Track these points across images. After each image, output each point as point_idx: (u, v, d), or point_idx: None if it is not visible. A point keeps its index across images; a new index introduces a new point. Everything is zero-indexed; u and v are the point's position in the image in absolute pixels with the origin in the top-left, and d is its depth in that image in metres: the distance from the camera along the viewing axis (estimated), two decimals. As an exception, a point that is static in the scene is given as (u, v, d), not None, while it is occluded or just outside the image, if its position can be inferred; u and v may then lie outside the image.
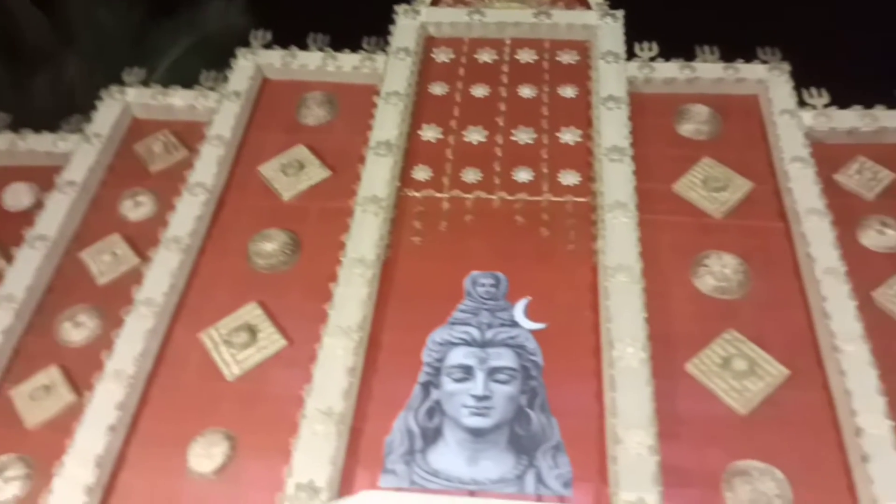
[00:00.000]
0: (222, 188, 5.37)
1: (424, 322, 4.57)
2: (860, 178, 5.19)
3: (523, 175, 5.29)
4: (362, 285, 4.56)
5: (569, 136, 5.51)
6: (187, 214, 5.05)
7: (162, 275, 4.73)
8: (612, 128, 5.33)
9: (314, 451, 3.88)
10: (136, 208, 5.38)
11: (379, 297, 4.68)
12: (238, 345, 4.49)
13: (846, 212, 4.92)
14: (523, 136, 5.53)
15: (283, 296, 4.75)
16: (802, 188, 4.91)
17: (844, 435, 4.00)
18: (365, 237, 4.80)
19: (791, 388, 4.19)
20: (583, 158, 5.36)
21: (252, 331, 4.55)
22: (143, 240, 5.09)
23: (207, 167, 5.32)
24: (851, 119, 5.39)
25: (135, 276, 4.80)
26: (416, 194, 5.24)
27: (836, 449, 3.99)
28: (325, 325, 4.37)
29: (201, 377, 4.44)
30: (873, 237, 4.87)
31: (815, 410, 4.12)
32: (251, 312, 4.64)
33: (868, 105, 5.44)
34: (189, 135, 5.73)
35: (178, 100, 5.92)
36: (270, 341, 4.52)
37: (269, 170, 5.45)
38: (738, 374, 4.24)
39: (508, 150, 5.46)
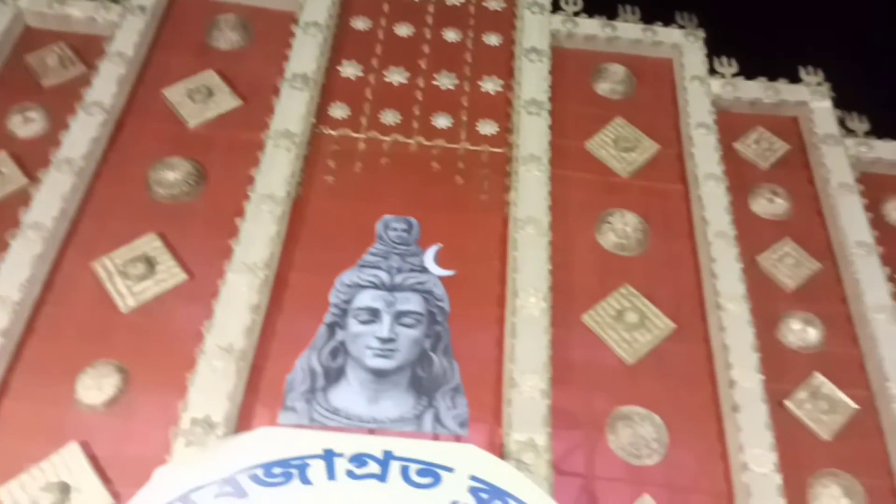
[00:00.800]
0: (122, 110, 5.02)
1: (333, 263, 4.52)
2: (757, 147, 5.47)
3: (442, 121, 5.25)
4: (271, 222, 4.43)
5: (490, 85, 5.49)
6: (82, 135, 4.70)
7: (52, 198, 4.41)
8: (533, 81, 5.35)
9: (212, 386, 3.81)
10: (26, 125, 4.96)
11: (288, 235, 4.57)
12: (134, 276, 4.30)
13: (741, 179, 5.20)
14: (445, 81, 5.46)
15: (185, 228, 4.55)
16: (703, 154, 5.13)
17: (719, 386, 4.30)
18: (276, 173, 4.64)
19: (676, 340, 4.47)
20: (502, 109, 5.36)
21: (150, 262, 4.35)
22: (32, 159, 4.71)
23: (106, 86, 4.95)
24: (755, 90, 5.64)
25: (22, 198, 4.44)
26: (332, 132, 5.10)
27: (711, 399, 4.29)
28: (229, 260, 4.24)
29: (93, 307, 4.23)
30: (763, 205, 5.18)
31: (696, 362, 4.42)
32: (150, 243, 4.43)
33: (772, 78, 5.71)
34: (87, 49, 5.29)
35: (77, 10, 5.43)
36: (170, 274, 4.35)
37: (175, 94, 5.13)
38: (630, 326, 4.47)
39: (429, 95, 5.37)
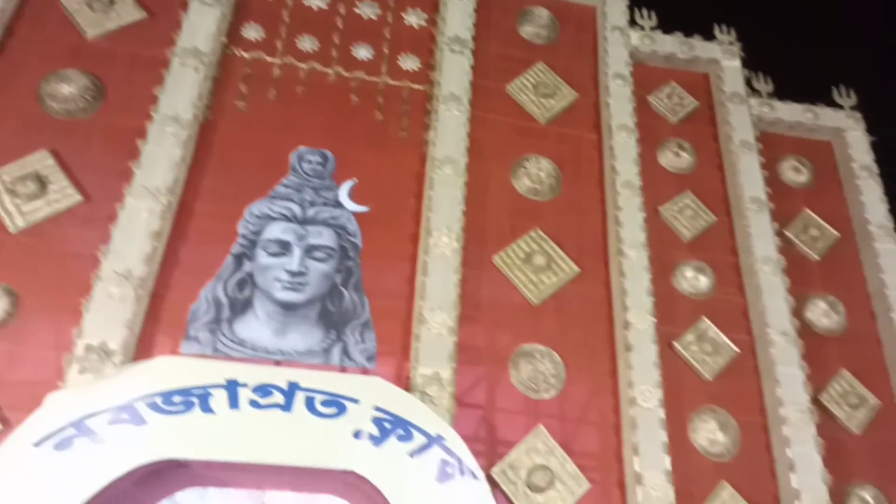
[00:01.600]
0: (12, 14, 4.59)
1: (243, 192, 4.40)
2: (669, 102, 5.67)
3: (363, 52, 5.12)
4: (175, 146, 4.25)
5: (414, 18, 5.37)
6: (-36, 40, 4.31)
7: (-72, 106, 4.06)
8: (458, 17, 5.28)
9: (108, 313, 3.70)
10: None
11: (194, 160, 4.40)
12: (24, 195, 4.04)
13: (652, 131, 5.40)
14: (367, 10, 5.29)
15: (81, 147, 4.29)
16: (618, 105, 5.28)
17: (616, 327, 4.56)
18: (182, 93, 4.43)
19: (579, 283, 4.68)
20: (425, 45, 5.28)
21: (41, 181, 4.09)
22: None
23: (-9, -14, 4.51)
24: (671, 45, 5.80)
25: None
26: (245, 55, 4.88)
27: (608, 339, 4.56)
28: (128, 184, 4.06)
29: (-23, 226, 3.98)
30: (670, 158, 5.42)
31: (595, 305, 4.65)
32: (42, 161, 4.16)
33: (688, 33, 5.88)
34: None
35: None
36: (63, 195, 4.11)
37: (72, 0, 4.73)
38: (537, 268, 4.64)
39: (350, 23, 5.21)
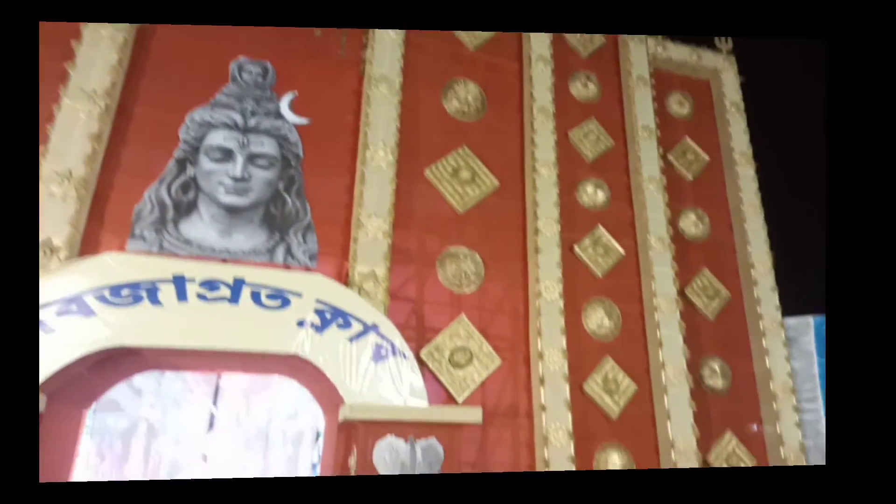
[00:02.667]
0: None
1: (182, 99, 3.81)
2: (581, 37, 5.31)
3: (302, -31, 4.44)
4: (112, 49, 3.58)
5: (352, -62, 4.69)
6: None
7: None
8: (394, -59, 4.65)
9: (51, 211, 3.17)
10: None
11: (132, 64, 3.75)
12: (-50, 91, 3.30)
13: (565, 63, 5.08)
14: (306, -73, 4.57)
15: (12, 44, 3.54)
16: (538, 37, 4.91)
17: (528, 233, 4.41)
18: (118, -5, 3.69)
19: (498, 196, 4.45)
20: (362, -34, 4.65)
21: (-31, 77, 3.36)
22: None
23: None
24: (585, -15, 5.39)
25: None
26: (184, -39, 4.12)
27: (521, 243, 4.41)
28: (64, 85, 3.41)
29: None
30: (579, 88, 5.13)
31: (512, 215, 4.46)
32: (-32, 56, 3.40)
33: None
34: None
35: None
36: (-5, 92, 3.40)
37: None
38: (462, 181, 4.36)
39: (289, -61, 4.49)
